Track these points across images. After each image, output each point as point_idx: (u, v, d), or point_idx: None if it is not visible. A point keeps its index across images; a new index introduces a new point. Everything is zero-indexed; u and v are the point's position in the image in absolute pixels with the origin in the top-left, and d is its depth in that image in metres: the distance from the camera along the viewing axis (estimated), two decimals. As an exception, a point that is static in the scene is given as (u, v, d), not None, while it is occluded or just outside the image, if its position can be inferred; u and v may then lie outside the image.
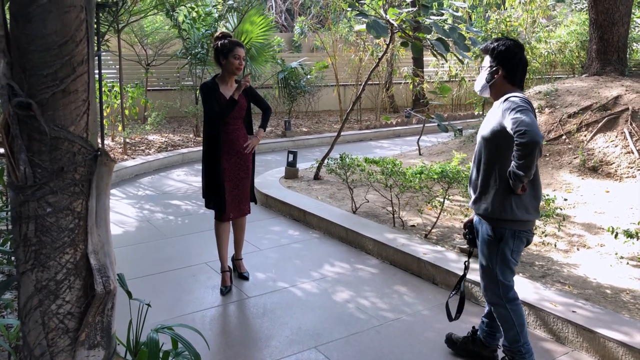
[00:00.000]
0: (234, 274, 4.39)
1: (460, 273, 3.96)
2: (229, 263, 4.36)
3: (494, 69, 2.77)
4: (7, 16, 1.35)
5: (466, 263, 3.13)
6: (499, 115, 2.66)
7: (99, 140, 9.51)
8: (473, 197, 2.86)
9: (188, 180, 7.95)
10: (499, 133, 2.65)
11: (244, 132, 4.17)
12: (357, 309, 3.78)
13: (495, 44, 2.79)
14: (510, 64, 2.75)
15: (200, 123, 11.21)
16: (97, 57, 8.36)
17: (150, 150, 9.56)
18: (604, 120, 6.91)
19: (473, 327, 3.21)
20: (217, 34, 4.17)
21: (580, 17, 15.10)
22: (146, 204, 6.63)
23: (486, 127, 2.77)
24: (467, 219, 3.07)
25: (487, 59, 2.83)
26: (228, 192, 4.10)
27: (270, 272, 4.47)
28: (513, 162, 2.53)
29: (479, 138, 2.83)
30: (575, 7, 16.92)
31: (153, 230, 5.62)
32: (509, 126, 2.53)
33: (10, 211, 1.37)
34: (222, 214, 4.12)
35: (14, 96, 1.28)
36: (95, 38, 8.10)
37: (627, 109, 6.88)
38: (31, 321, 1.35)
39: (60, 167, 1.34)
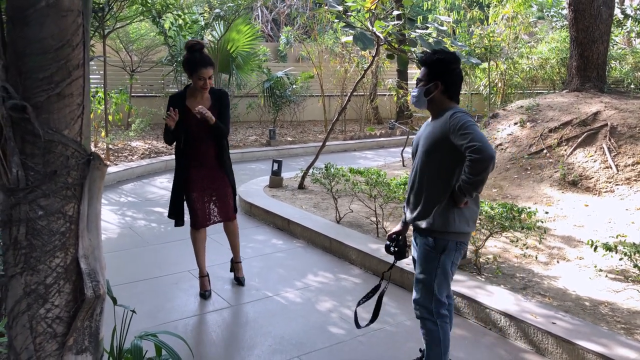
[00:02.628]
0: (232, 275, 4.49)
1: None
2: (227, 269, 4.46)
3: (432, 83, 2.70)
4: (4, 19, 1.35)
5: (384, 275, 3.10)
6: (444, 130, 2.60)
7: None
8: (413, 212, 2.79)
9: (171, 187, 7.90)
10: (444, 148, 2.61)
11: (212, 146, 4.02)
12: (340, 319, 3.79)
13: (435, 56, 2.72)
14: (450, 78, 2.70)
15: (185, 130, 11.15)
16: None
17: (133, 156, 9.49)
18: (583, 136, 7.05)
19: (420, 349, 3.11)
20: (188, 42, 3.96)
21: (560, 34, 15.43)
22: (128, 210, 6.57)
23: (428, 142, 2.71)
24: (391, 231, 2.99)
25: (424, 71, 2.76)
26: (198, 201, 4.05)
27: (254, 280, 4.45)
28: (464, 177, 2.49)
29: (418, 153, 2.78)
30: (556, 24, 17.28)
31: (135, 237, 5.57)
32: (459, 142, 2.49)
33: (0, 214, 1.36)
34: (194, 221, 4.12)
35: (9, 98, 1.28)
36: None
37: (606, 124, 7.04)
38: (19, 325, 1.33)
39: (54, 171, 1.33)
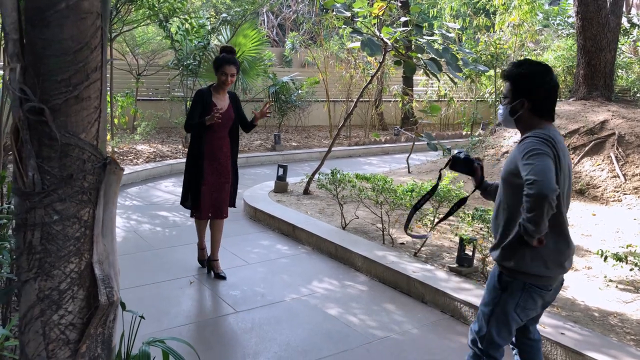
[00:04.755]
0: (210, 275, 4.64)
1: (451, 293, 3.97)
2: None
3: (518, 101, 2.38)
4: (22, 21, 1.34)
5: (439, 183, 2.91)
6: (516, 155, 2.31)
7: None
8: (494, 239, 2.52)
9: (176, 191, 7.89)
10: (514, 176, 2.32)
11: (227, 142, 4.45)
12: (346, 326, 3.76)
13: (519, 69, 2.40)
14: (538, 94, 2.36)
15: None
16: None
17: (138, 160, 9.49)
18: (591, 144, 7.02)
19: None
20: (222, 46, 4.65)
21: (566, 43, 15.42)
22: (133, 214, 6.56)
23: (505, 167, 2.43)
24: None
25: (508, 87, 2.43)
26: (207, 195, 4.40)
27: (259, 286, 4.43)
28: (522, 213, 2.18)
29: (500, 177, 2.51)
30: (562, 32, 17.28)
31: (140, 241, 5.55)
32: (522, 172, 2.20)
33: (15, 218, 1.35)
34: (198, 212, 4.47)
35: (26, 101, 1.27)
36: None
37: (614, 133, 7.01)
38: (31, 331, 1.31)
39: (70, 174, 1.32)
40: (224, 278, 4.53)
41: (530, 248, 2.24)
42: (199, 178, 4.37)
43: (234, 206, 4.68)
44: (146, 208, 6.88)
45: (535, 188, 2.08)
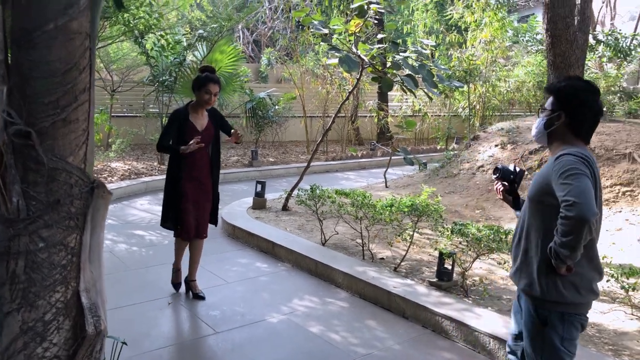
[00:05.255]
0: (188, 295, 4.56)
1: (432, 307, 3.99)
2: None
3: (555, 114, 2.27)
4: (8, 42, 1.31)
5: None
6: (549, 173, 2.17)
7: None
8: (513, 266, 2.37)
9: (152, 209, 7.78)
10: (547, 196, 2.16)
11: (207, 160, 4.39)
12: (328, 344, 3.73)
13: (562, 83, 2.30)
14: (577, 111, 2.24)
15: (165, 151, 11.03)
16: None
17: (113, 177, 9.34)
18: (563, 158, 7.18)
19: None
20: (202, 66, 4.55)
21: (536, 58, 15.81)
22: (108, 233, 6.43)
23: (535, 185, 2.28)
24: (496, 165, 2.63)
25: (550, 101, 2.33)
26: (190, 214, 4.33)
27: (239, 306, 4.37)
28: (555, 237, 2.04)
29: (527, 197, 2.36)
30: (531, 49, 17.73)
31: (116, 261, 5.44)
32: (558, 192, 2.06)
33: (-5, 246, 1.30)
34: (184, 233, 4.38)
35: (12, 124, 1.23)
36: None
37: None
38: (14, 366, 1.26)
39: (57, 200, 1.28)
40: (202, 298, 4.46)
41: (558, 275, 2.13)
42: (180, 197, 4.30)
43: (215, 224, 4.62)
44: (121, 227, 6.76)
45: (575, 210, 1.94)
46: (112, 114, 11.92)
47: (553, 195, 2.09)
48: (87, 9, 1.31)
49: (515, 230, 2.39)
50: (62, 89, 1.31)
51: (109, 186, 8.53)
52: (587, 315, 2.24)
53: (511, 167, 2.63)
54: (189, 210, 4.32)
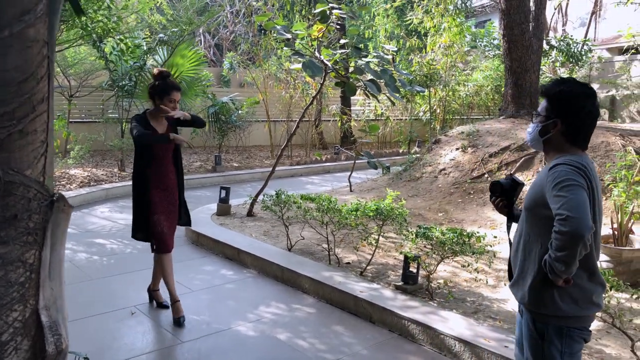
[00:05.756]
0: (152, 304, 4.44)
1: (398, 312, 4.02)
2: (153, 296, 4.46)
3: (551, 120, 2.15)
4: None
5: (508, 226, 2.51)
6: (543, 183, 2.07)
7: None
8: (513, 274, 2.27)
9: (113, 217, 7.59)
10: (542, 206, 2.06)
11: (172, 168, 4.24)
12: (295, 351, 3.72)
13: (559, 87, 2.15)
14: (574, 118, 2.12)
15: (126, 157, 10.80)
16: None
17: (71, 185, 9.07)
18: (521, 160, 7.39)
19: None
20: (157, 70, 4.23)
21: (493, 63, 16.23)
22: (68, 242, 6.22)
23: (529, 195, 2.19)
24: (493, 180, 2.49)
25: (544, 104, 2.20)
26: (164, 224, 4.13)
27: (204, 314, 4.31)
28: (550, 250, 1.96)
29: (523, 206, 2.26)
30: (489, 53, 18.18)
31: (75, 271, 5.28)
32: (552, 204, 1.97)
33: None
34: (164, 245, 4.14)
35: (-37, 138, 1.17)
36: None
37: (542, 150, 7.41)
38: (-32, 391, 1.20)
39: (14, 215, 1.22)
40: (167, 307, 4.34)
41: (556, 288, 2.04)
42: (149, 207, 4.11)
43: (189, 225, 4.55)
44: (81, 236, 6.57)
45: (569, 225, 1.86)
46: (70, 120, 11.60)
47: (547, 207, 2.01)
48: (44, 16, 1.26)
49: (513, 240, 2.30)
50: (19, 99, 1.25)
51: (68, 194, 8.28)
52: (590, 328, 2.14)
53: (505, 180, 2.47)
54: (161, 222, 4.11)
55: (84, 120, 13.11)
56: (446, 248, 4.19)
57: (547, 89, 2.19)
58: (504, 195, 2.43)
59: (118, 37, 9.25)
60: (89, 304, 4.46)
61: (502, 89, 11.39)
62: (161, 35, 10.03)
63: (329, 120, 15.71)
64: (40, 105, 1.27)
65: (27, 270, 1.25)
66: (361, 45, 14.41)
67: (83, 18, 8.21)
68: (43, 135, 1.28)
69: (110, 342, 3.80)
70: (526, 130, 2.33)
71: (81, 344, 3.70)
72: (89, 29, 8.41)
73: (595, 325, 3.73)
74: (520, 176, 7.16)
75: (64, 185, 9.00)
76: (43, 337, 1.24)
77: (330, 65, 6.42)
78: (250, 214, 7.13)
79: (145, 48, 10.41)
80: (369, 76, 6.36)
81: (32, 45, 1.25)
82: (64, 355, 1.28)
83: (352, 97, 15.95)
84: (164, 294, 4.39)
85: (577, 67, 15.39)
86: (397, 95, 6.35)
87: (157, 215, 4.11)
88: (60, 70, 11.09)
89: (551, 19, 20.28)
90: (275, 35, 6.55)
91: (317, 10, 6.38)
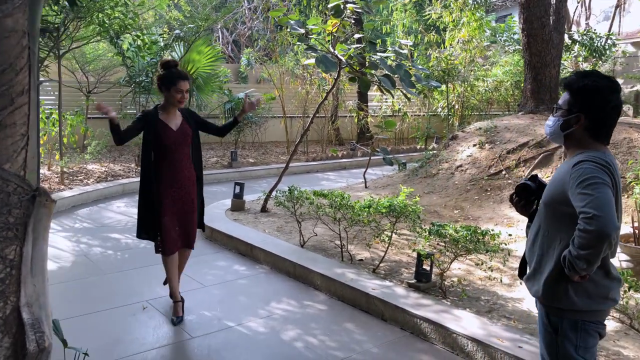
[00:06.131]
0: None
1: (410, 310, 3.96)
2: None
3: (574, 115, 2.09)
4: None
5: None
6: (566, 180, 2.01)
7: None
8: (529, 268, 2.25)
9: (129, 212, 7.65)
10: (562, 203, 2.03)
11: (189, 162, 4.01)
12: (306, 348, 3.68)
13: (583, 81, 2.08)
14: (598, 112, 2.06)
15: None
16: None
17: (89, 180, 9.17)
18: (540, 157, 7.24)
19: None
20: (163, 60, 4.06)
21: (513, 58, 15.97)
22: (83, 237, 6.30)
23: (549, 191, 2.15)
24: (519, 183, 2.38)
25: (566, 97, 2.14)
26: (169, 227, 3.94)
27: (215, 310, 4.30)
28: (571, 247, 1.93)
29: (541, 201, 2.22)
30: (509, 48, 17.90)
31: (90, 265, 5.33)
32: (575, 202, 1.93)
33: None
34: (163, 247, 3.99)
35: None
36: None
37: (561, 146, 7.25)
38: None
39: (-8, 209, 1.20)
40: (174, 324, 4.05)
41: (573, 282, 2.02)
42: (157, 207, 3.91)
43: (203, 229, 4.40)
44: (97, 230, 6.63)
45: (595, 224, 1.82)
46: (88, 116, 11.72)
47: (568, 204, 1.97)
48: (24, 5, 1.22)
49: (530, 234, 2.27)
50: (-5, 91, 1.21)
51: (85, 189, 8.38)
52: (604, 322, 2.12)
53: (532, 182, 2.37)
54: (167, 223, 3.92)
55: (103, 116, 13.20)
56: (459, 246, 4.12)
57: (569, 82, 2.12)
58: (529, 197, 2.36)
59: (135, 34, 9.30)
60: (101, 298, 4.48)
61: (522, 85, 11.19)
62: (177, 31, 10.07)
63: (346, 116, 15.63)
64: (19, 98, 1.24)
65: (7, 267, 1.22)
66: (378, 41, 14.30)
67: (100, 15, 8.28)
68: (23, 129, 1.25)
69: (122, 336, 3.81)
70: (545, 124, 2.25)
71: (92, 337, 3.73)
72: (106, 25, 8.47)
73: (613, 326, 3.63)
74: (539, 173, 7.02)
75: (81, 180, 9.11)
76: (24, 335, 1.22)
77: (344, 60, 6.36)
78: (264, 209, 7.12)
79: (162, 44, 10.46)
80: (384, 71, 6.29)
81: (10, 36, 1.22)
82: (47, 354, 1.25)
83: (369, 93, 15.86)
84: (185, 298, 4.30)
85: (600, 62, 15.06)
86: (413, 90, 6.27)
87: (167, 218, 3.93)
88: (78, 66, 11.21)
89: (574, 12, 19.89)
90: (289, 30, 6.50)
91: (331, 5, 6.33)
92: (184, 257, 4.25)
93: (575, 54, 15.26)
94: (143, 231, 4.06)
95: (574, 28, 18.52)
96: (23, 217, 1.24)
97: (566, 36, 14.63)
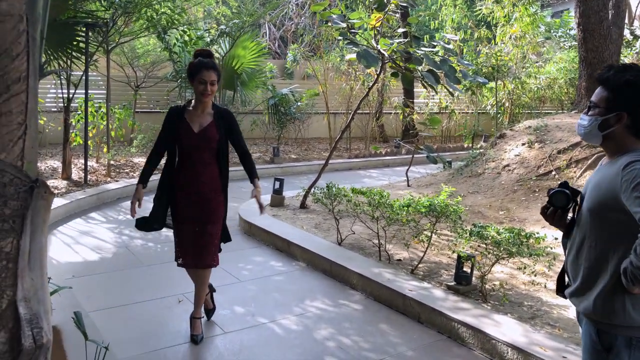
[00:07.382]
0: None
1: (448, 313, 3.82)
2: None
3: (614, 113, 1.91)
4: None
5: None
6: (616, 184, 1.84)
7: (72, 164, 9.25)
8: (573, 285, 2.05)
9: (171, 204, 7.76)
10: (612, 209, 1.86)
11: (210, 169, 3.55)
12: (339, 348, 3.60)
13: (624, 75, 1.90)
14: None
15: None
16: (84, 77, 8.24)
17: (134, 173, 9.38)
18: (593, 157, 6.88)
19: None
20: (197, 49, 3.69)
21: (569, 55, 15.33)
22: (126, 229, 6.43)
23: (594, 197, 1.95)
24: (552, 192, 2.10)
25: (603, 94, 1.95)
26: (188, 235, 3.56)
27: (250, 305, 4.28)
28: (633, 257, 1.73)
29: (583, 206, 2.02)
30: (564, 44, 17.19)
31: (131, 257, 5.42)
32: (631, 207, 1.76)
33: None
34: (182, 258, 3.62)
35: None
36: (83, 57, 8.00)
37: (617, 146, 6.87)
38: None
39: (-14, 200, 1.17)
40: (196, 342, 3.63)
41: (627, 296, 1.85)
42: (176, 218, 3.60)
43: (229, 239, 3.89)
44: (139, 222, 6.74)
45: None
46: (136, 110, 12.00)
47: (621, 210, 1.80)
48: (21, -12, 1.19)
49: (571, 244, 2.06)
50: (-10, 78, 1.18)
51: (130, 181, 8.57)
52: None
53: (565, 190, 2.09)
54: (186, 231, 3.57)
55: (150, 110, 13.53)
56: (501, 248, 3.93)
57: (607, 78, 1.93)
58: (566, 206, 2.09)
59: (181, 29, 9.44)
60: (139, 289, 4.54)
61: (577, 82, 10.70)
62: (223, 26, 10.16)
63: (391, 113, 15.41)
64: (16, 85, 1.20)
65: (3, 259, 1.19)
66: (425, 36, 14.02)
67: (149, 11, 8.44)
68: (20, 117, 1.22)
69: (156, 328, 3.84)
70: (578, 123, 2.05)
71: (126, 328, 3.77)
72: (154, 20, 8.63)
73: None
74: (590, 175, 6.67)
75: (127, 173, 9.33)
76: (20, 330, 1.19)
77: (387, 56, 6.22)
78: (303, 206, 7.08)
79: (208, 40, 10.58)
80: (429, 67, 6.11)
81: (5, 20, 1.18)
82: (45, 350, 1.22)
83: (415, 90, 15.57)
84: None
85: (662, 59, 14.24)
86: (457, 86, 6.06)
87: (183, 226, 3.58)
88: (127, 61, 11.50)
89: (637, 7, 18.89)
90: (331, 25, 6.41)
91: (375, -2, 6.20)
92: (199, 277, 3.67)
93: (637, 50, 14.48)
94: (142, 227, 3.77)
95: (635, 23, 17.59)
96: (20, 209, 1.21)
97: (627, 31, 13.91)
